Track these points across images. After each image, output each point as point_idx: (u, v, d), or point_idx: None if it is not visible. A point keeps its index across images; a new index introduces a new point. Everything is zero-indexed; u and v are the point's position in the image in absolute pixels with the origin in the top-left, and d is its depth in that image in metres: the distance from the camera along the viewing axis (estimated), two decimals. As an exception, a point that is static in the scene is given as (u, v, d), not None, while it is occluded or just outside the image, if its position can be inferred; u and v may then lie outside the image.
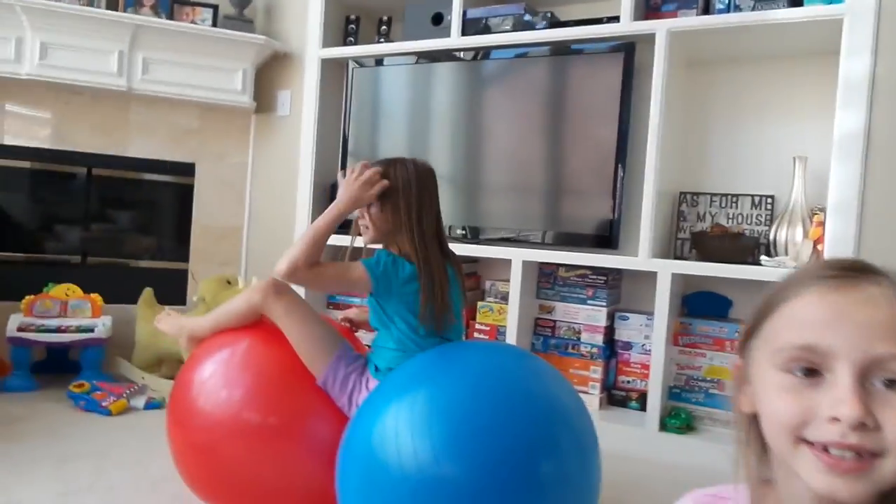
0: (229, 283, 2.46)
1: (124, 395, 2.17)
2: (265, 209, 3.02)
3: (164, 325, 1.58)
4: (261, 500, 1.34)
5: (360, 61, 2.69)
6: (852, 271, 0.54)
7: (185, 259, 2.93)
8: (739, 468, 0.61)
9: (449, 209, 2.45)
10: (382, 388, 1.25)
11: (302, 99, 2.84)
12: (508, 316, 2.31)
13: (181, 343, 1.51)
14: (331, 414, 1.35)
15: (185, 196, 2.97)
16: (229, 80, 2.89)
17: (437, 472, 1.08)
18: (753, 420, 0.59)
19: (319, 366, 1.34)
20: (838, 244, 1.86)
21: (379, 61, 2.67)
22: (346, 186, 1.39)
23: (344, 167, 2.72)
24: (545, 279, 2.39)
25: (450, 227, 2.44)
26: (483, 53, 2.44)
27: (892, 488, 0.52)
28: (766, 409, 0.55)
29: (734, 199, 2.26)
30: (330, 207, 1.40)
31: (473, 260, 2.55)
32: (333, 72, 2.82)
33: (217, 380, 1.34)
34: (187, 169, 2.95)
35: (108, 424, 2.02)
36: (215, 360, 1.38)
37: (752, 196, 2.23)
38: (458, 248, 2.27)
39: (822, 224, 1.93)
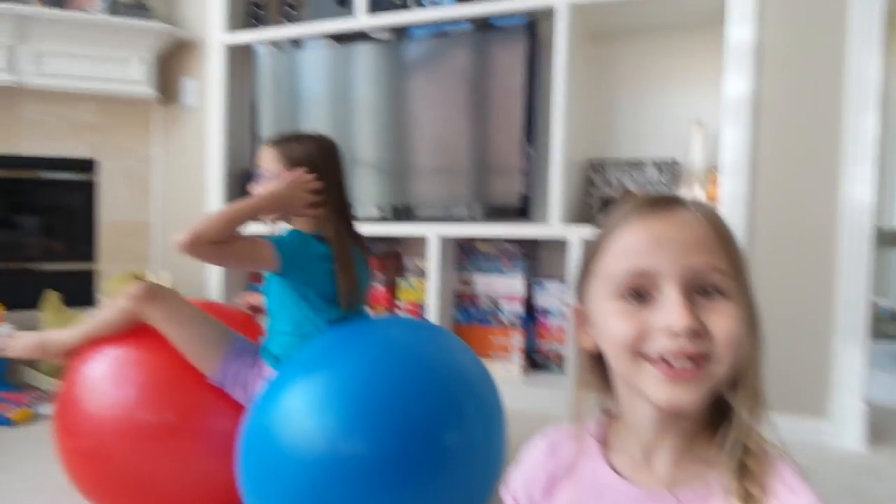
0: (138, 278, 2.37)
1: (29, 403, 2.06)
2: (175, 203, 2.91)
3: (17, 350, 1.39)
4: (163, 502, 1.29)
5: (268, 45, 2.62)
6: (666, 202, 0.59)
7: (92, 259, 2.79)
8: (578, 406, 0.63)
9: (365, 189, 2.44)
10: (279, 376, 1.21)
11: (208, 87, 2.74)
12: (428, 291, 2.32)
13: (53, 361, 1.38)
14: (230, 408, 1.30)
15: (87, 193, 2.82)
16: (128, 70, 2.76)
17: (339, 453, 1.05)
18: (595, 358, 0.62)
19: (210, 366, 1.28)
20: (733, 203, 1.95)
21: (288, 45, 2.60)
22: (286, 189, 1.31)
23: (254, 156, 2.65)
24: (464, 253, 2.41)
25: (370, 208, 2.42)
26: (393, 33, 2.42)
27: (721, 395, 0.57)
28: (606, 334, 0.58)
29: (640, 165, 2.33)
30: (259, 197, 1.31)
31: (394, 239, 2.54)
32: (242, 58, 2.74)
33: (107, 381, 1.27)
34: (88, 165, 2.81)
35: (11, 435, 1.91)
36: (104, 360, 1.30)
37: (657, 161, 2.31)
38: (373, 229, 2.27)
39: (716, 184, 2.01)
